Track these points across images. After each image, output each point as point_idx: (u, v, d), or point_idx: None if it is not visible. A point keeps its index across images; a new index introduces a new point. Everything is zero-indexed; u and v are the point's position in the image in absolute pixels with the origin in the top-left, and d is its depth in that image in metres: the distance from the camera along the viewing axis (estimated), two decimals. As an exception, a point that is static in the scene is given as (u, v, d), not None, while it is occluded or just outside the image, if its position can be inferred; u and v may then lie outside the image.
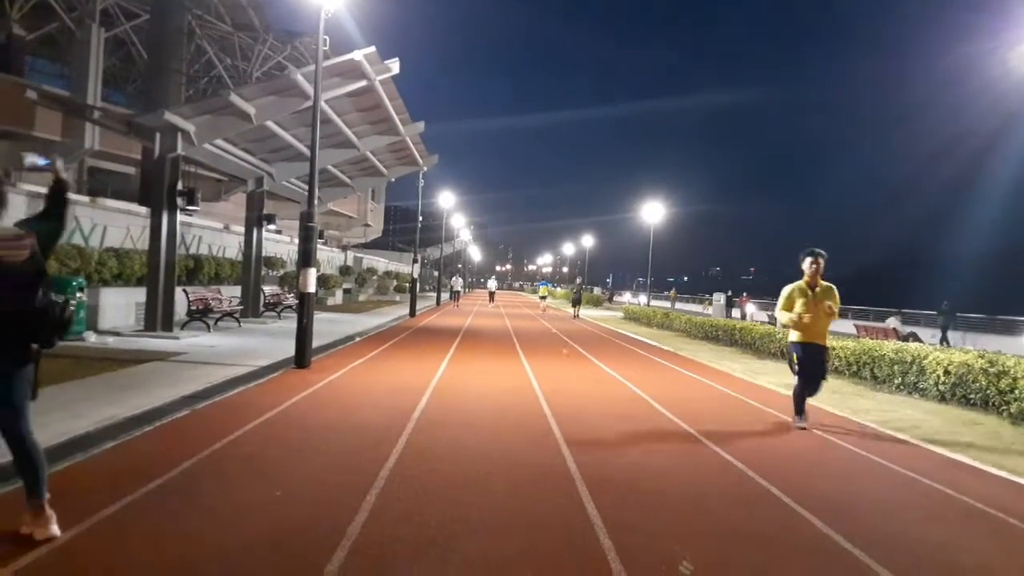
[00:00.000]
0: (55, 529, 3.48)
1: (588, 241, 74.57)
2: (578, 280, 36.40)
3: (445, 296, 41.75)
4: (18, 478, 3.53)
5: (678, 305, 52.32)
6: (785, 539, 4.11)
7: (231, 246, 21.17)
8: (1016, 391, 8.49)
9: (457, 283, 42.37)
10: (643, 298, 48.64)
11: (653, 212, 36.50)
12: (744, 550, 3.90)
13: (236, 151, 16.51)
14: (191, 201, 13.43)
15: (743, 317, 36.42)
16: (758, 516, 4.51)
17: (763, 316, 35.27)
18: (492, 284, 48.77)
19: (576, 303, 33.10)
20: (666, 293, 65.21)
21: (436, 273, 50.92)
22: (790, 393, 10.27)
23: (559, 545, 3.83)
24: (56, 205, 3.62)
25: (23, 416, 3.45)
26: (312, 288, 10.58)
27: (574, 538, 3.93)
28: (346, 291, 32.96)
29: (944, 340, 22.70)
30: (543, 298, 39.63)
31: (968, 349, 10.68)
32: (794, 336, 7.74)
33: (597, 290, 71.23)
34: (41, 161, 3.92)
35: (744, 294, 44.64)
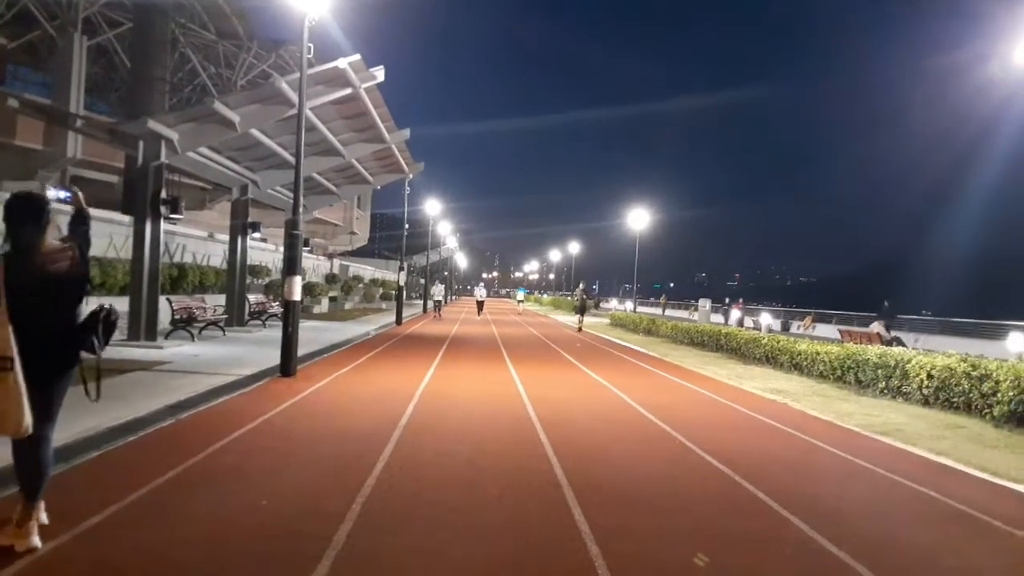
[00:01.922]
0: (36, 540, 3.46)
1: (574, 248, 74.81)
2: (581, 286, 30.10)
3: (431, 304, 37.15)
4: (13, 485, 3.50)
5: (668, 311, 52.20)
6: (772, 542, 4.13)
7: (216, 254, 21.02)
8: (998, 394, 8.58)
9: (438, 291, 35.84)
10: (629, 304, 48.73)
11: (638, 219, 36.67)
12: (731, 553, 3.91)
13: (220, 159, 16.42)
14: (175, 209, 13.34)
15: (740, 324, 35.20)
16: (745, 520, 4.52)
17: (748, 322, 35.37)
18: (480, 292, 39.74)
19: (581, 312, 28.11)
20: (653, 299, 65.34)
21: (423, 281, 49.69)
22: (775, 398, 10.40)
23: (547, 552, 3.82)
24: (79, 224, 3.87)
25: (52, 419, 3.58)
26: (298, 296, 10.53)
27: (562, 545, 3.92)
28: (332, 299, 32.81)
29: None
30: (520, 302, 49.08)
31: (951, 353, 10.77)
32: None
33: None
34: (63, 193, 4.33)
35: (740, 300, 43.99)
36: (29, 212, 3.48)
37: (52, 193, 7.80)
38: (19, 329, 3.28)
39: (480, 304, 37.66)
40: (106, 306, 3.76)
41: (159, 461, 5.19)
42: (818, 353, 13.06)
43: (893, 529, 4.49)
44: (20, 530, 3.44)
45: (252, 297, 19.61)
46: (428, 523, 4.15)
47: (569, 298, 54.17)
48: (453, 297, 74.75)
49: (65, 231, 3.81)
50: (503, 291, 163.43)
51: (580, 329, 26.77)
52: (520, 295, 50.57)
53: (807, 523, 4.45)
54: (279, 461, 5.47)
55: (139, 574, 3.31)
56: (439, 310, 34.94)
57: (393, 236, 63.83)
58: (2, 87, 21.97)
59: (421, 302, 42.65)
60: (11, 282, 3.31)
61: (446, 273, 76.50)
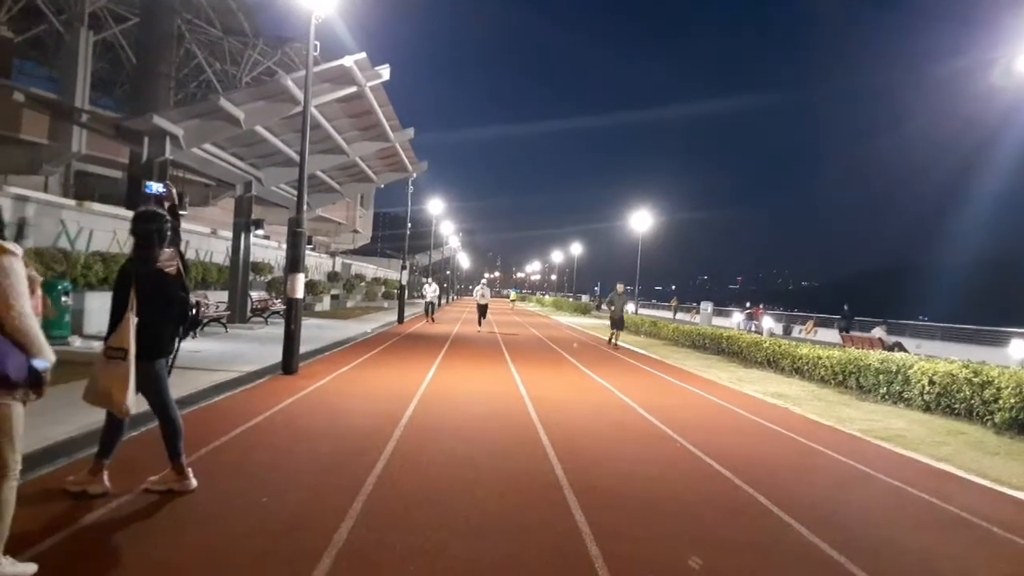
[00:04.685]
0: (194, 482, 4.43)
1: (576, 249, 74.78)
2: (619, 288, 20.88)
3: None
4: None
5: (679, 315, 50.95)
6: (772, 547, 4.13)
7: (218, 251, 21.05)
8: (1000, 401, 8.57)
9: (430, 291, 29.14)
10: (631, 306, 48.61)
11: (641, 221, 36.64)
12: (731, 558, 3.91)
13: (225, 156, 16.45)
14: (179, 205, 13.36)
15: (759, 331, 31.51)
16: (745, 524, 4.53)
17: (753, 326, 35.29)
18: (482, 292, 26.35)
19: (617, 325, 20.39)
20: (655, 301, 65.60)
21: (424, 280, 49.56)
22: (777, 402, 10.40)
23: (547, 552, 3.82)
24: (174, 220, 4.49)
25: (167, 390, 4.49)
26: (300, 294, 10.54)
27: (562, 545, 3.93)
28: (334, 297, 32.82)
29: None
30: (513, 302, 58.15)
31: (953, 359, 10.76)
32: None
33: (585, 298, 71.30)
34: (161, 189, 5.47)
35: (761, 305, 42.30)
36: (153, 226, 4.26)
37: (151, 187, 9.47)
38: (138, 322, 4.08)
39: (482, 309, 25.78)
40: (193, 301, 4.56)
41: (160, 457, 5.18)
42: (819, 357, 13.05)
43: (893, 535, 4.49)
44: (180, 476, 4.42)
45: (254, 294, 19.63)
46: (429, 521, 4.15)
47: (605, 304, 48.95)
48: (454, 297, 74.59)
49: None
50: (503, 292, 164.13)
51: (612, 343, 20.51)
52: (513, 295, 63.29)
53: (807, 527, 4.45)
54: (280, 458, 5.48)
55: (139, 569, 3.32)
56: (432, 314, 28.56)
57: (396, 235, 63.80)
58: (8, 81, 21.99)
59: (423, 301, 42.47)
60: (138, 285, 4.11)
61: (448, 272, 76.23)
